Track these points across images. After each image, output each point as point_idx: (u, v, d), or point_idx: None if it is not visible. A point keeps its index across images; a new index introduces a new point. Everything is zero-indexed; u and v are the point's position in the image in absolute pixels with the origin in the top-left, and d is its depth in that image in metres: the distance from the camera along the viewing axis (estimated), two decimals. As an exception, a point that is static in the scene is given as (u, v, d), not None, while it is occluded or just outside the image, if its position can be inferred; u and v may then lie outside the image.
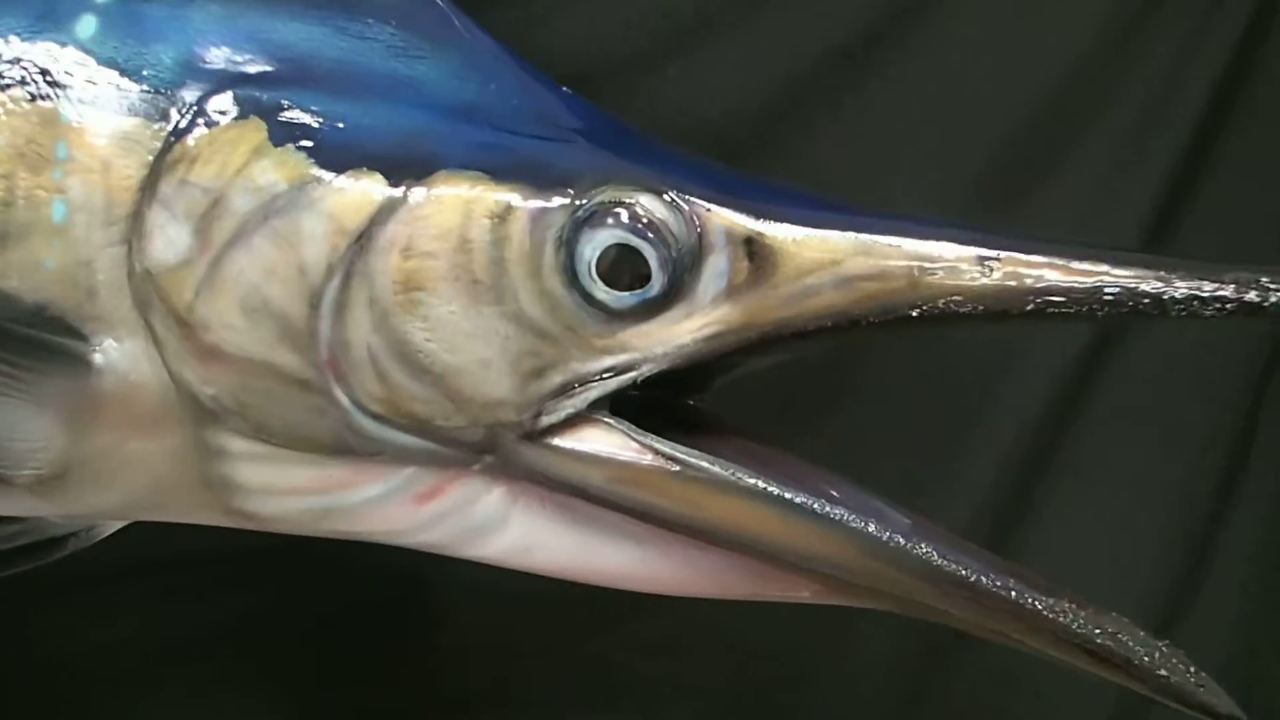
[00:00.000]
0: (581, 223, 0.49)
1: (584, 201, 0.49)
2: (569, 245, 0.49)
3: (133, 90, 0.52)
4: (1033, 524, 0.92)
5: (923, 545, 0.47)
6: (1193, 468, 0.94)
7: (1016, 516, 0.92)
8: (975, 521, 0.90)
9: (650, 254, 0.49)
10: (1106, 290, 0.46)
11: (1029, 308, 0.46)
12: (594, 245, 0.49)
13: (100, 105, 0.52)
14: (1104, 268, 0.46)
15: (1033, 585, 0.47)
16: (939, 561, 0.47)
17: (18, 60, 0.52)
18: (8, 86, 0.52)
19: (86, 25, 0.53)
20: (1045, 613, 0.46)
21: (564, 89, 0.56)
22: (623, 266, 0.49)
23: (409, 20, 0.55)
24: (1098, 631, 0.47)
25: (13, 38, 0.52)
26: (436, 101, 0.53)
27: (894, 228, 0.48)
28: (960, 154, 0.89)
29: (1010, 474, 0.92)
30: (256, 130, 0.52)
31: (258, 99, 0.52)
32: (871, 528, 0.47)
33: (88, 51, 0.52)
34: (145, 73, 0.52)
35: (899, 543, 0.47)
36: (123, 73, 0.52)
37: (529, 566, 0.54)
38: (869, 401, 0.90)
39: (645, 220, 0.49)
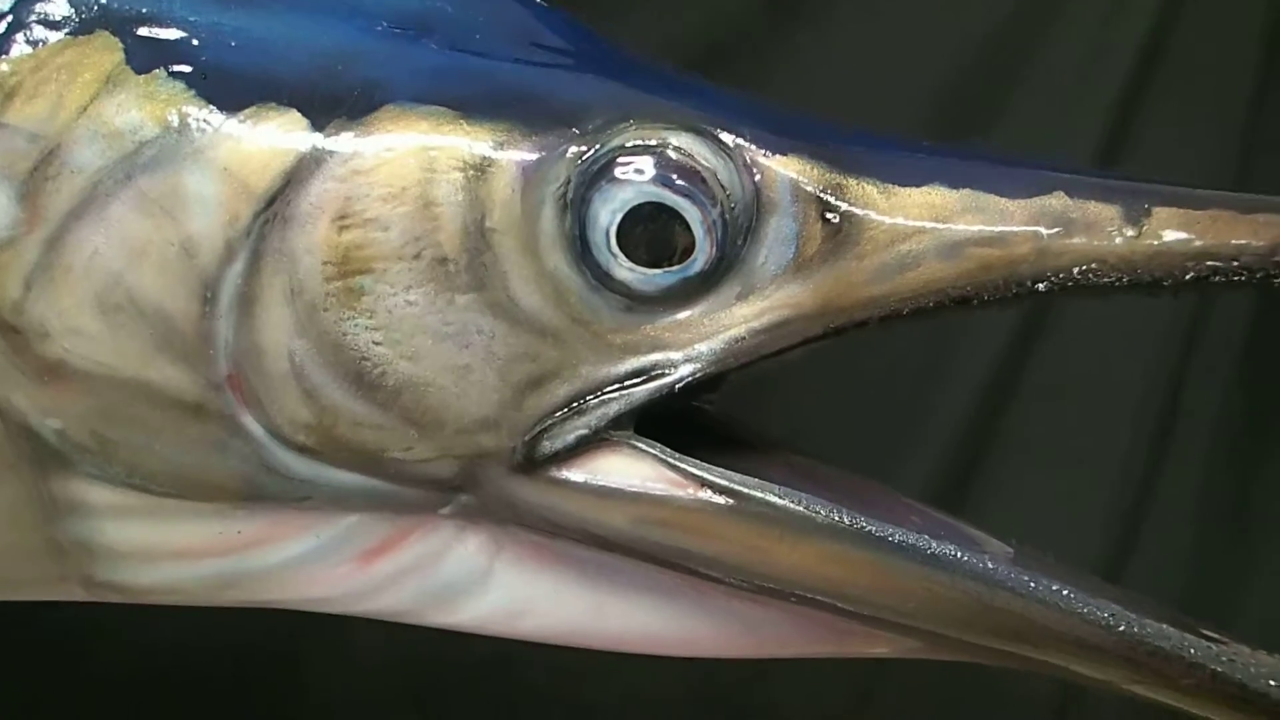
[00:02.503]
0: (595, 175, 0.35)
1: (597, 146, 0.35)
2: (578, 206, 0.35)
3: None
4: (980, 497, 0.87)
5: (1066, 590, 0.36)
6: (1128, 431, 0.90)
7: (960, 494, 0.86)
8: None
9: (693, 215, 0.35)
10: None
11: (1189, 274, 0.36)
12: (614, 206, 0.35)
13: None
14: None
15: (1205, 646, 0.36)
16: (1094, 614, 0.36)
17: None
18: None
19: None
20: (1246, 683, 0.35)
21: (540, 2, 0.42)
22: (653, 234, 0.35)
23: None
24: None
25: None
26: (370, 9, 0.38)
27: (1012, 176, 0.36)
28: (902, 100, 0.82)
29: (952, 451, 0.86)
30: (106, 49, 0.36)
31: (104, 4, 0.37)
32: (992, 568, 0.36)
33: None
34: None
35: (1039, 588, 0.36)
36: None
37: (519, 634, 0.41)
38: (809, 384, 0.81)
39: (686, 168, 0.35)
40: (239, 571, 0.41)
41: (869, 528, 0.36)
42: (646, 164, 0.35)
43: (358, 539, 0.40)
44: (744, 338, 0.36)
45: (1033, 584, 0.36)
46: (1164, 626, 0.36)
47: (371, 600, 0.41)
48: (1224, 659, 0.36)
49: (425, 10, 0.39)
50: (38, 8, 0.37)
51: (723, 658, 0.42)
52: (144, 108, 0.36)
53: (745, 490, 0.37)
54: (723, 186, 0.36)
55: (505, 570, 0.40)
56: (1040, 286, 0.36)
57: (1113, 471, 0.90)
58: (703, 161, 0.36)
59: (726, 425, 0.42)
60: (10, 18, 0.36)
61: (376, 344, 0.36)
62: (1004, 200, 0.36)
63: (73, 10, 0.37)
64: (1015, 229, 0.36)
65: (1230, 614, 0.87)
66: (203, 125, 0.36)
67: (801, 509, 0.36)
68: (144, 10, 0.37)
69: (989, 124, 0.85)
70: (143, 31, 0.37)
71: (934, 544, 0.36)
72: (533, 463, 0.37)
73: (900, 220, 0.36)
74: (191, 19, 0.37)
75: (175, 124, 0.36)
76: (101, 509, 0.39)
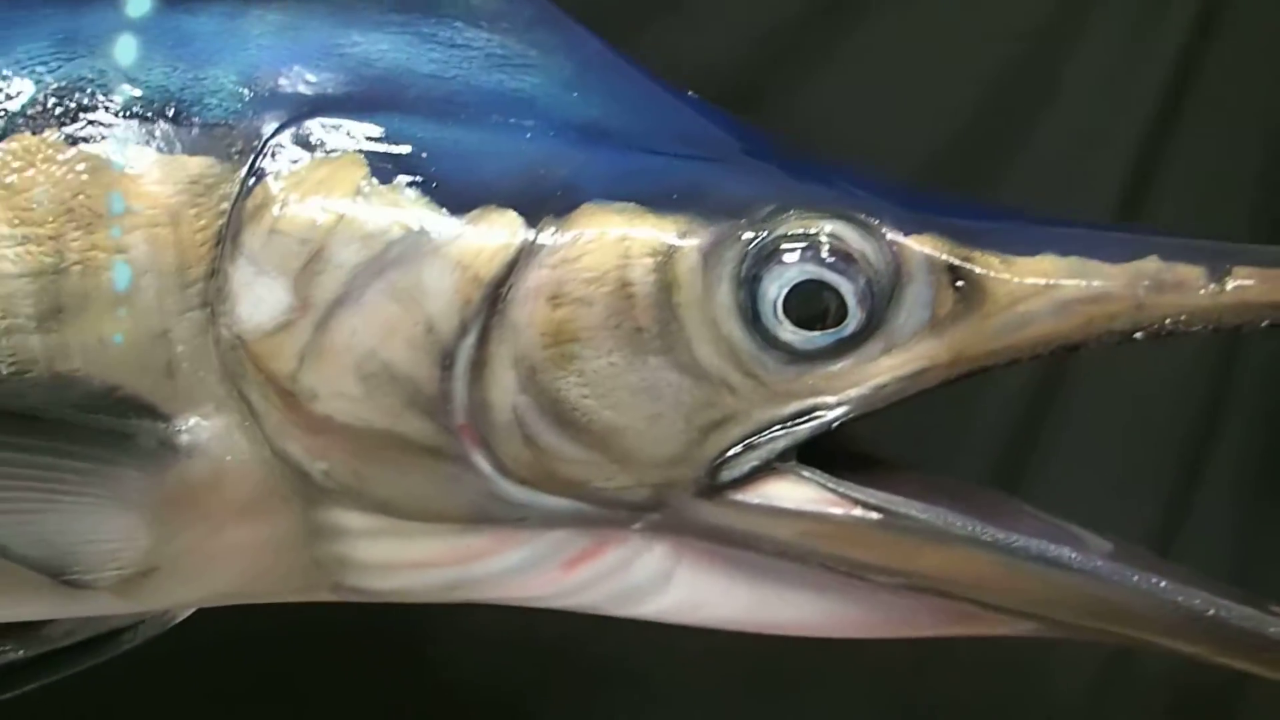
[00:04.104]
0: (764, 258, 0.43)
1: (765, 233, 0.43)
2: (749, 284, 0.43)
3: (193, 125, 0.44)
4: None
5: (1162, 583, 0.43)
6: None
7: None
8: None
9: (847, 289, 0.43)
10: None
11: (1264, 320, 0.43)
12: (781, 282, 0.43)
13: (156, 145, 0.43)
14: None
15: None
16: (1188, 602, 0.43)
17: (45, 97, 0.43)
18: (43, 129, 0.43)
19: (125, 48, 0.44)
20: None
21: (689, 93, 0.49)
22: (813, 303, 0.43)
23: (503, 21, 0.47)
24: None
25: (35, 69, 0.43)
26: (558, 120, 0.46)
27: (1112, 242, 0.43)
28: (917, 135, 0.84)
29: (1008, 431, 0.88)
30: (354, 166, 0.44)
31: (347, 128, 0.44)
32: (1100, 566, 0.43)
33: (131, 80, 0.44)
34: (205, 102, 0.44)
35: (1140, 582, 0.43)
36: (178, 104, 0.44)
37: (695, 622, 0.49)
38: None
39: (841, 251, 0.43)
40: (463, 578, 0.49)
41: (996, 535, 0.44)
42: (809, 248, 0.43)
43: (562, 550, 0.48)
44: (888, 384, 0.44)
45: (1133, 577, 0.43)
46: (1246, 609, 0.43)
47: (570, 599, 0.50)
48: None
49: (602, 115, 0.46)
50: (293, 131, 0.44)
51: (864, 638, 0.51)
52: (390, 214, 0.44)
53: (892, 508, 0.45)
54: (870, 263, 0.43)
55: (684, 572, 0.48)
56: (1137, 335, 0.43)
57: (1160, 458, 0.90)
58: (854, 245, 0.43)
59: (855, 445, 0.49)
60: (274, 142, 0.44)
61: (585, 398, 0.44)
62: (1106, 265, 0.43)
63: (321, 135, 0.44)
64: (1116, 289, 0.43)
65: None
66: (438, 226, 0.44)
67: (940, 522, 0.44)
68: (379, 131, 0.45)
69: (1025, 138, 0.85)
70: (380, 149, 0.44)
71: (1050, 547, 0.44)
72: (713, 489, 0.45)
73: (1018, 284, 0.43)
74: (419, 136, 0.45)
75: (416, 227, 0.44)
76: (355, 531, 0.47)
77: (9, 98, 0.43)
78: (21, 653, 0.53)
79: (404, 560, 0.49)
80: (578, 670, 0.88)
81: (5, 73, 0.43)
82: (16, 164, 0.42)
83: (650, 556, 0.48)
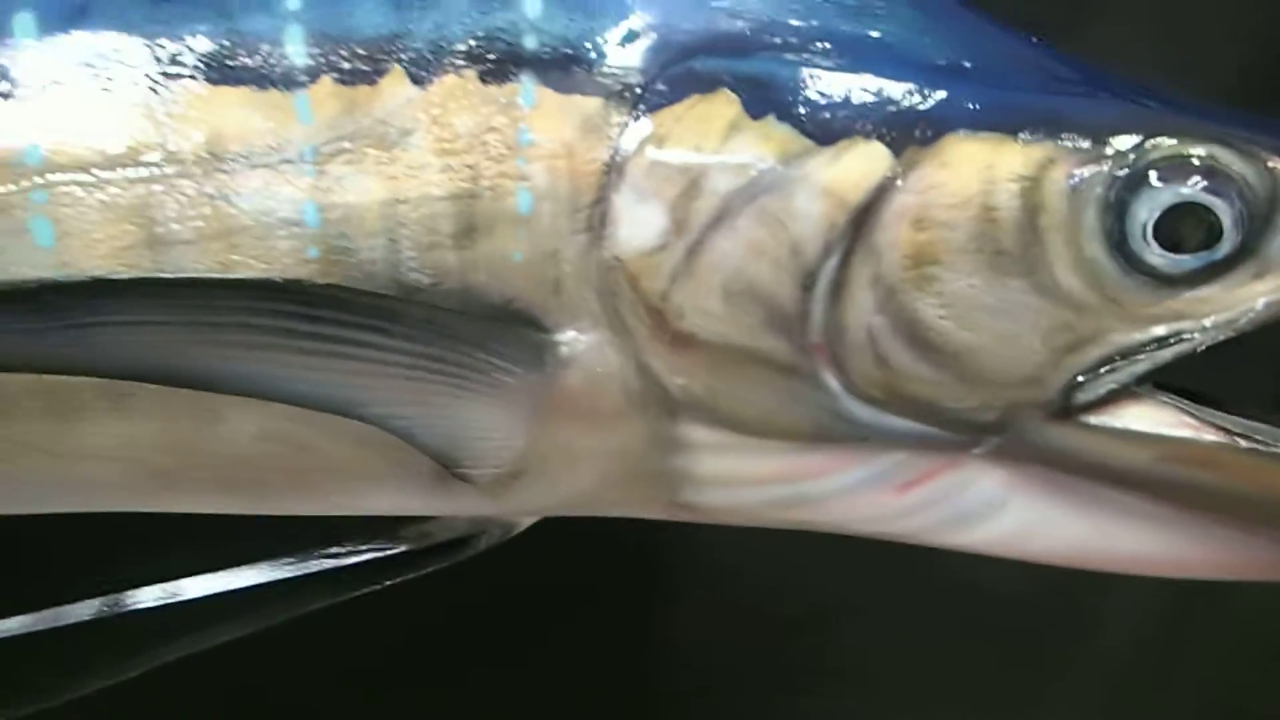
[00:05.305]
0: (1136, 182, 0.45)
1: (1135, 158, 0.46)
2: (1118, 207, 0.45)
3: (588, 68, 0.49)
4: None
5: None
6: None
7: None
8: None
9: (1225, 212, 0.45)
10: None
11: None
12: (1153, 206, 0.45)
13: (558, 87, 0.49)
14: None
15: None
16: None
17: (471, 43, 0.49)
18: (463, 69, 0.49)
19: (532, 3, 0.50)
20: None
21: (1031, 37, 0.51)
22: (1184, 227, 0.45)
23: None
24: None
25: (464, 19, 0.49)
26: (915, 60, 0.49)
27: None
28: None
29: None
30: (728, 103, 0.49)
31: (721, 69, 0.49)
32: None
33: (538, 30, 0.49)
34: (598, 49, 0.49)
35: None
36: (576, 50, 0.49)
37: (1024, 554, 0.51)
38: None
39: (1221, 173, 0.45)
40: (798, 495, 0.52)
41: None
42: (1185, 172, 0.45)
43: (899, 472, 0.51)
44: (1258, 309, 0.45)
45: None
46: None
47: (899, 523, 0.52)
48: None
49: (956, 55, 0.49)
50: (673, 73, 0.49)
51: (1201, 577, 0.51)
52: (762, 145, 0.48)
53: (1252, 432, 0.46)
54: (1250, 186, 0.45)
55: (1019, 500, 0.50)
56: None
57: None
58: (1234, 167, 0.45)
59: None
60: (657, 83, 0.49)
61: (942, 318, 0.47)
62: None
63: (698, 76, 0.49)
64: None
65: None
66: (807, 156, 0.48)
67: None
68: (752, 71, 0.49)
69: None
70: (753, 88, 0.49)
71: None
72: (1066, 411, 0.47)
73: None
74: (787, 75, 0.49)
75: (787, 156, 0.48)
76: (701, 445, 0.51)
77: (439, 44, 0.49)
78: (385, 550, 0.60)
79: (744, 475, 0.52)
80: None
81: (438, 21, 0.49)
82: (444, 101, 0.48)
83: (986, 482, 0.50)
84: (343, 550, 0.59)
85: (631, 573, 0.89)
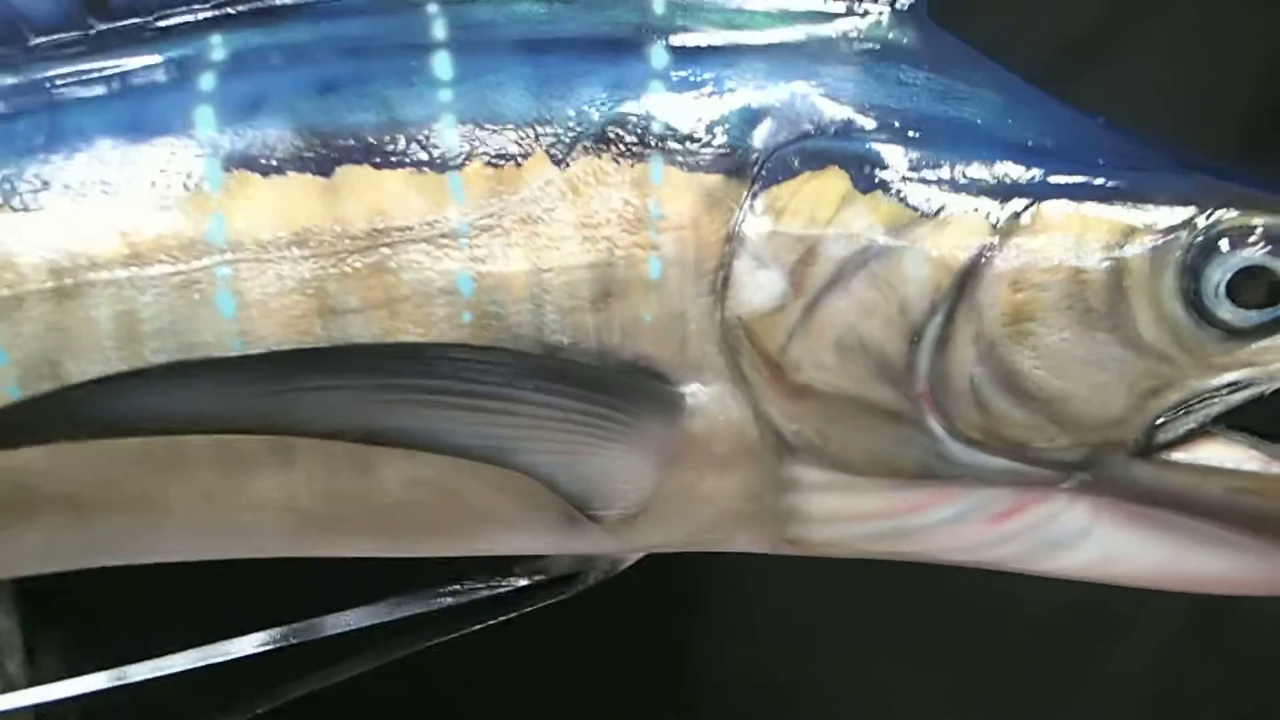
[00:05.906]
0: (1208, 247, 0.52)
1: (1209, 227, 0.52)
2: (1193, 270, 0.52)
3: (712, 150, 0.55)
4: None
5: None
6: None
7: None
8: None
9: None
10: None
11: None
12: (1224, 269, 0.52)
13: (684, 166, 0.55)
14: None
15: None
16: None
17: (605, 129, 0.55)
18: (602, 153, 0.55)
19: (656, 91, 0.55)
20: None
21: (1099, 116, 0.58)
22: (1250, 286, 0.51)
23: (939, 64, 0.57)
24: None
25: (598, 106, 0.55)
26: (1002, 139, 0.55)
27: None
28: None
29: None
30: (839, 179, 0.54)
31: (830, 149, 0.55)
32: None
33: (662, 115, 0.55)
34: (721, 132, 0.55)
35: None
36: (699, 134, 0.55)
37: (1105, 577, 0.57)
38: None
39: (1277, 240, 0.52)
40: (899, 529, 0.57)
41: None
42: (1251, 239, 0.52)
43: (992, 505, 0.56)
44: None
45: None
46: None
47: (992, 551, 0.57)
48: None
49: (1039, 136, 0.56)
50: (787, 153, 0.55)
51: (1266, 595, 0.57)
52: (872, 216, 0.54)
53: None
54: None
55: (1103, 528, 0.55)
56: None
57: None
58: None
59: None
60: (773, 162, 0.55)
61: (1037, 369, 0.53)
62: None
63: (810, 156, 0.55)
64: None
65: None
66: (914, 226, 0.54)
67: None
68: (859, 150, 0.55)
69: None
70: (861, 165, 0.54)
71: None
72: (1148, 449, 0.53)
73: None
74: (888, 154, 0.54)
75: (895, 226, 0.54)
76: (812, 485, 0.56)
77: (577, 129, 0.54)
78: (509, 585, 0.65)
79: (851, 512, 0.58)
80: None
81: (575, 107, 0.55)
82: (585, 179, 0.54)
83: (1073, 513, 0.55)
84: (465, 588, 0.64)
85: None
